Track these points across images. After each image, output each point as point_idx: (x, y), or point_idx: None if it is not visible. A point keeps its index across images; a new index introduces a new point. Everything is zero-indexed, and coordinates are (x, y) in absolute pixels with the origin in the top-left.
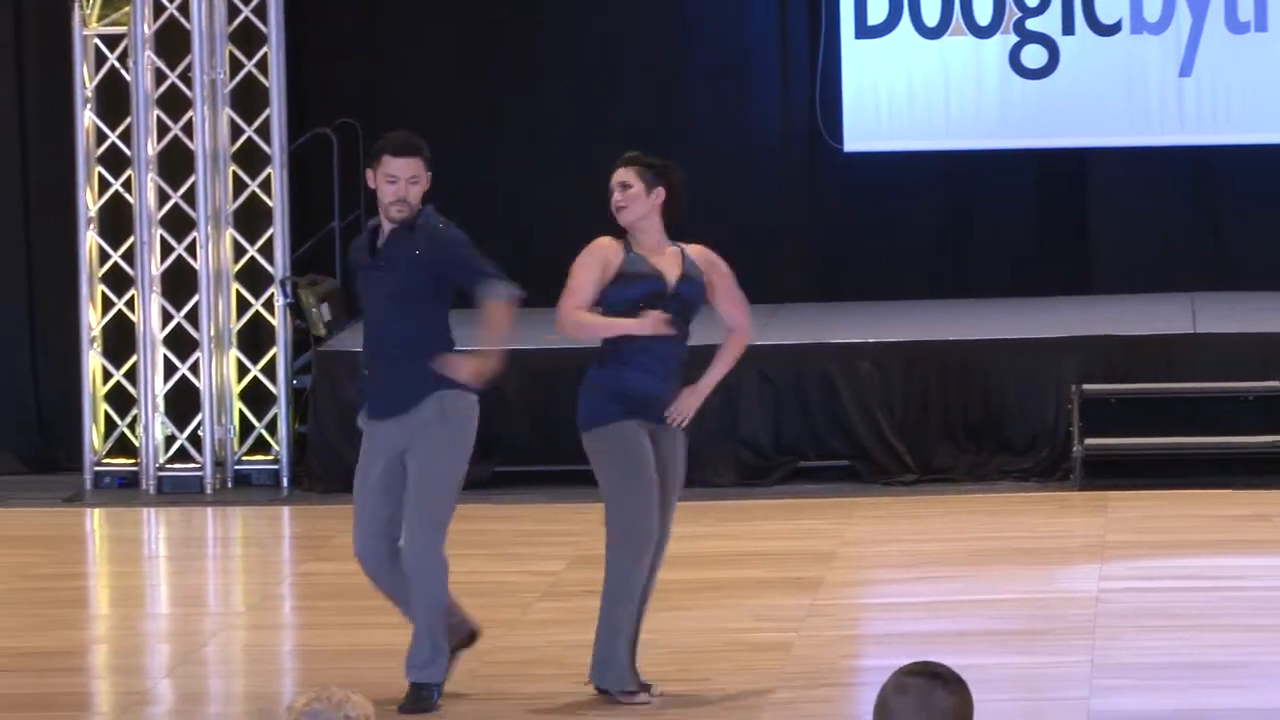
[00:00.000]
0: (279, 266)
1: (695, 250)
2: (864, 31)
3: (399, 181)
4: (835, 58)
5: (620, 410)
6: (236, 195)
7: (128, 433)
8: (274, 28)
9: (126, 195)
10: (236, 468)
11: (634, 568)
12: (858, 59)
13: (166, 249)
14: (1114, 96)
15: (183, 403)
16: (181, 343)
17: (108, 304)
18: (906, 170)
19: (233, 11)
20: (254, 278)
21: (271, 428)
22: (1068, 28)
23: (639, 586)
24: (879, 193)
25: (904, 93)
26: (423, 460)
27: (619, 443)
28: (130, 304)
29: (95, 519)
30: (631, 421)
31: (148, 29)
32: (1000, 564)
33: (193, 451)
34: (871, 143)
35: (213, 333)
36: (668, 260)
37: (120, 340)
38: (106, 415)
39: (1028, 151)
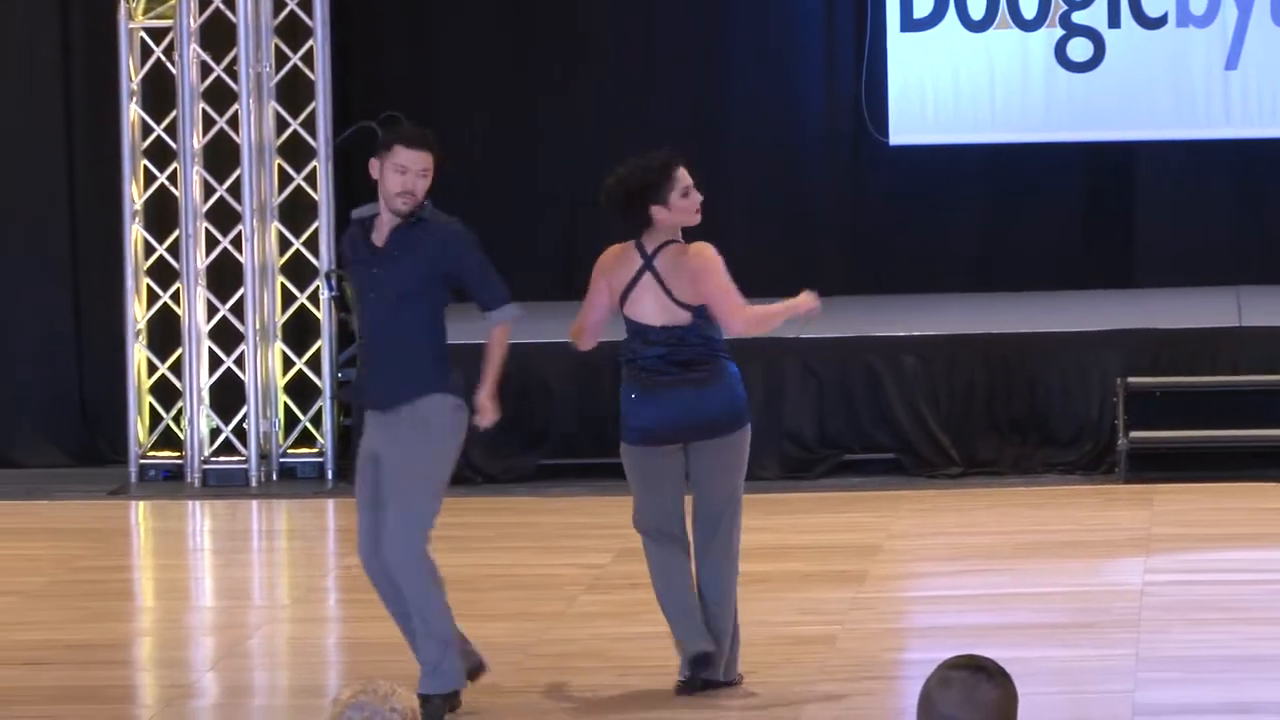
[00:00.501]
0: (324, 260)
1: None
2: (909, 25)
3: (409, 172)
4: (881, 51)
5: None
6: (282, 188)
7: (173, 426)
8: (319, 21)
9: (172, 188)
10: (281, 460)
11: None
12: (903, 52)
13: (212, 242)
14: (1160, 90)
15: (227, 396)
16: (226, 336)
17: (153, 297)
18: (952, 164)
19: (278, 5)
20: (299, 271)
21: (316, 421)
22: (1114, 21)
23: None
24: (924, 186)
25: (949, 86)
26: (399, 460)
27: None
28: (175, 297)
29: (140, 512)
30: None
31: (193, 22)
32: (1045, 557)
33: (238, 444)
34: (917, 136)
35: (258, 326)
36: None
37: (165, 333)
38: (151, 408)
39: (1073, 145)
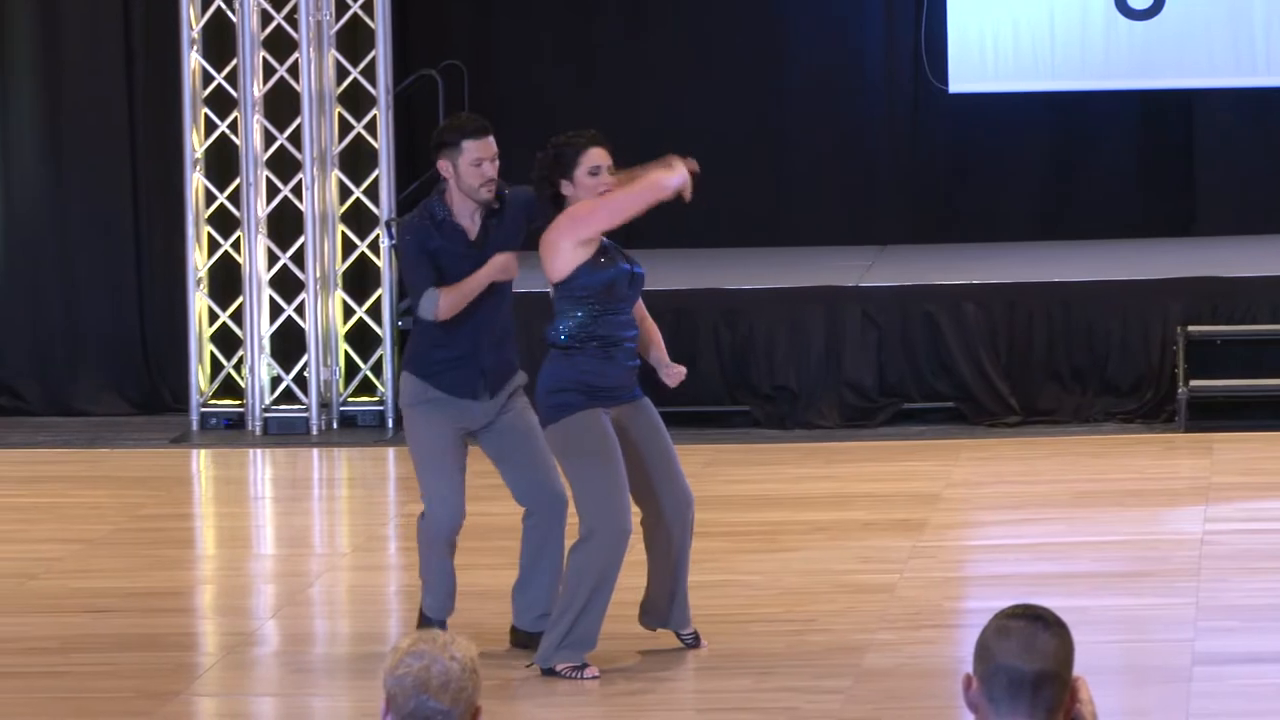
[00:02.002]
0: (384, 208)
1: None
2: None
3: (484, 162)
4: None
5: (580, 400)
6: (342, 137)
7: (234, 374)
8: None
9: (233, 137)
10: (342, 409)
11: (607, 560)
12: (963, 0)
13: (272, 190)
14: (1219, 37)
15: (288, 344)
16: (287, 284)
17: (214, 245)
18: (1011, 112)
19: None
20: (359, 219)
21: (377, 369)
22: None
23: (614, 574)
24: (983, 134)
25: (1009, 34)
26: (528, 427)
27: (582, 433)
28: (236, 245)
29: (201, 460)
30: (590, 411)
31: None
32: (1105, 506)
33: (298, 393)
34: (976, 84)
35: (318, 274)
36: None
37: (226, 282)
38: (212, 356)
39: (1132, 93)
